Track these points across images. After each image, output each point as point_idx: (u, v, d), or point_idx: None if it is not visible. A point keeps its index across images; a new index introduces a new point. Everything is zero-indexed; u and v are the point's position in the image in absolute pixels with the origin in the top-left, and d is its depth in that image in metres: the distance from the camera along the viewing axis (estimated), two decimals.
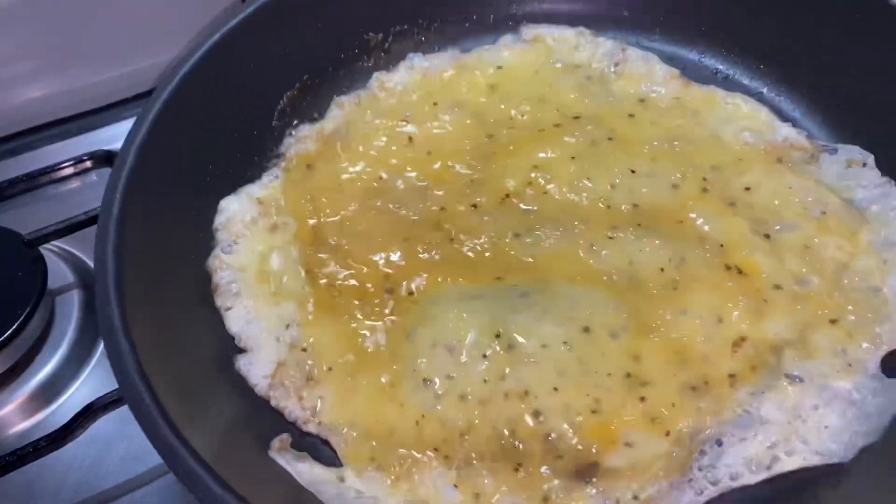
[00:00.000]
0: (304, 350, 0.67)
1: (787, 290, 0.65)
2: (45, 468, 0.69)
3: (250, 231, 0.73)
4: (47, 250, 0.81)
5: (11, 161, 0.96)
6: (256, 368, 0.66)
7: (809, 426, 0.59)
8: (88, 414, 0.67)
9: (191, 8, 0.97)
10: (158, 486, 0.69)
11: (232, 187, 0.76)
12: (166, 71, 0.75)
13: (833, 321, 0.64)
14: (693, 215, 0.71)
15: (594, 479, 0.58)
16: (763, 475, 0.58)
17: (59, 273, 0.82)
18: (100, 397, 0.68)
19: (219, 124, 0.77)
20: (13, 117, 1.01)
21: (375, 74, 0.85)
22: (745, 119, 0.78)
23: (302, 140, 0.81)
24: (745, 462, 0.58)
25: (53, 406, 0.75)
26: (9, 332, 0.72)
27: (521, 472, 0.59)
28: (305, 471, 0.61)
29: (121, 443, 0.72)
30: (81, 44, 0.99)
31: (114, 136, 0.96)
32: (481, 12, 0.92)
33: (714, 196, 0.72)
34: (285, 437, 0.63)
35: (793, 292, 0.65)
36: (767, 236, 0.69)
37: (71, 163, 0.91)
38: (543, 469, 0.59)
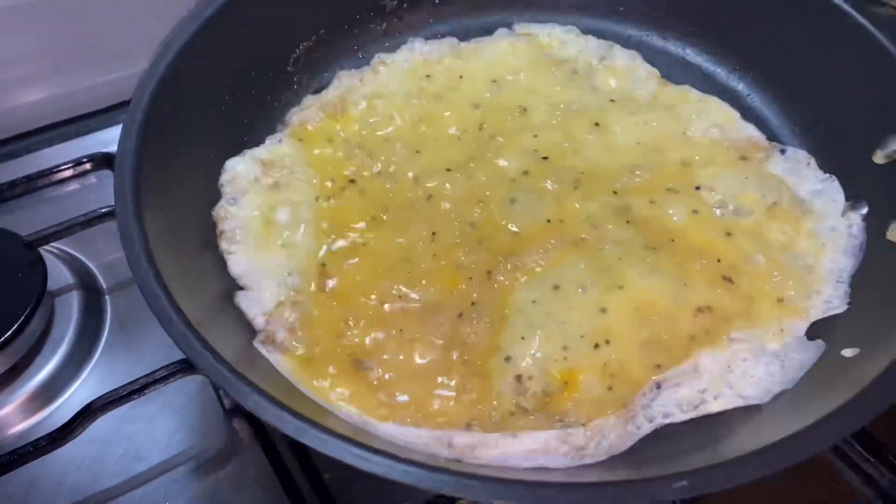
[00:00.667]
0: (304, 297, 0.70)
1: (741, 267, 0.72)
2: (44, 468, 0.69)
3: (252, 188, 0.77)
4: (47, 252, 0.82)
5: (11, 163, 0.97)
6: (255, 306, 0.70)
7: (736, 375, 0.66)
8: (88, 414, 0.67)
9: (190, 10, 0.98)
10: (158, 485, 0.70)
11: (237, 148, 0.80)
12: (188, 14, 0.79)
13: (772, 293, 0.71)
14: (664, 205, 0.77)
15: (556, 416, 0.63)
16: (691, 414, 0.64)
17: (58, 274, 0.82)
18: (99, 397, 0.68)
19: (236, 65, 0.82)
20: (13, 120, 1.01)
21: (378, 55, 0.91)
22: (714, 116, 0.86)
23: (305, 108, 0.86)
24: (676, 403, 0.65)
25: (53, 406, 0.75)
26: (9, 332, 0.72)
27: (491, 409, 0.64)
28: (284, 364, 0.65)
29: (120, 442, 0.72)
30: (81, 46, 1.00)
31: (113, 138, 0.93)
32: None
33: (682, 188, 0.79)
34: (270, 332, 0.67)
35: (745, 269, 0.72)
36: (726, 221, 0.76)
37: (70, 165, 0.91)
38: (509, 404, 0.64)
